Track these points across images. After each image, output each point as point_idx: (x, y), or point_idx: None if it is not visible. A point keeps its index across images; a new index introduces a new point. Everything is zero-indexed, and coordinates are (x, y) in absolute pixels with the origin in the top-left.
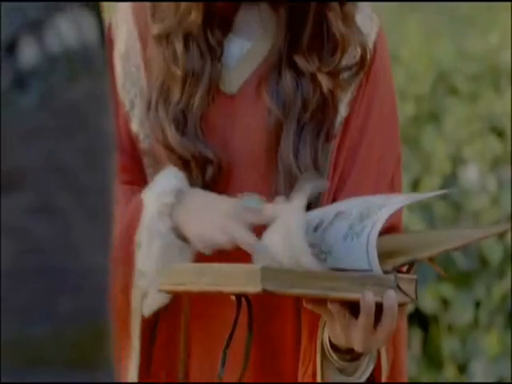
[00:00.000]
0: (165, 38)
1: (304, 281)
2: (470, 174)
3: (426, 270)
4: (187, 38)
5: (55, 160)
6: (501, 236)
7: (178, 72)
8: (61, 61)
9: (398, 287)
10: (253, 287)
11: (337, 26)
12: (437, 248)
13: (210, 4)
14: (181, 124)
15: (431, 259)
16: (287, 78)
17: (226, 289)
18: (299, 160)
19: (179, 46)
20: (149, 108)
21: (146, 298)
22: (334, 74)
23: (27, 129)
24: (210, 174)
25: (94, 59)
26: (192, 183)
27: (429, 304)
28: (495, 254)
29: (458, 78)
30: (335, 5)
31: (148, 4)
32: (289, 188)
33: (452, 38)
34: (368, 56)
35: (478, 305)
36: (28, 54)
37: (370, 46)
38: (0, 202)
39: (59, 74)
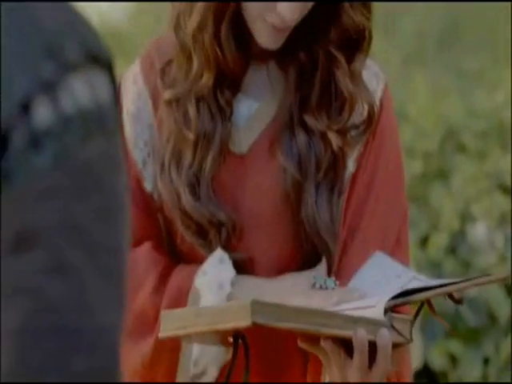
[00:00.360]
0: (175, 102)
1: (296, 315)
2: (479, 231)
3: (435, 326)
4: (198, 101)
5: (69, 219)
6: (509, 293)
7: (191, 136)
8: (75, 121)
9: (392, 327)
10: (244, 321)
11: (345, 83)
12: (434, 291)
13: (221, 65)
14: (195, 187)
15: (433, 310)
16: (300, 136)
17: (221, 326)
18: (321, 217)
19: (191, 110)
20: (162, 170)
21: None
22: (342, 132)
23: (41, 188)
24: (225, 236)
25: (108, 119)
26: (208, 246)
27: (437, 360)
28: (503, 310)
29: (466, 135)
30: (343, 62)
31: (158, 66)
32: (310, 244)
33: (460, 95)
34: (375, 114)
35: (486, 361)
36: (42, 114)
37: (377, 103)
38: (14, 261)
39: (73, 133)
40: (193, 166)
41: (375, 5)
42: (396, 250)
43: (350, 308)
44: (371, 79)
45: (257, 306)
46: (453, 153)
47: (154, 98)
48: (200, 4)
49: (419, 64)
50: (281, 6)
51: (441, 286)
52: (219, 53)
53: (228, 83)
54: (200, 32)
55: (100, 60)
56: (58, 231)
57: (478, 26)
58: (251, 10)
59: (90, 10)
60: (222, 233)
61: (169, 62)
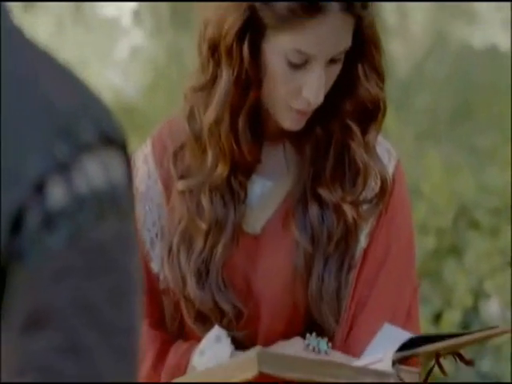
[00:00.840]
0: (189, 192)
1: (305, 366)
2: (492, 307)
3: None
4: (212, 191)
5: (82, 299)
6: None
7: (203, 226)
8: (88, 201)
9: (400, 379)
10: (251, 371)
11: (359, 154)
12: (441, 343)
13: (235, 154)
14: (202, 276)
15: (443, 371)
16: (313, 210)
17: (230, 380)
18: (325, 293)
19: (205, 201)
20: (169, 253)
21: None
22: (356, 204)
23: (55, 269)
24: (226, 324)
25: (121, 199)
26: (208, 330)
27: None
28: None
29: (479, 211)
30: (358, 134)
31: (169, 149)
32: (313, 316)
33: (472, 171)
34: (388, 187)
35: None
36: (56, 194)
37: (389, 177)
38: (27, 339)
39: (87, 214)
40: (203, 253)
41: (388, 82)
42: (407, 325)
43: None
44: (383, 155)
45: (263, 356)
46: (466, 229)
47: (164, 180)
48: (217, 99)
49: (432, 141)
50: (306, 91)
51: (449, 336)
52: (235, 145)
53: (242, 170)
54: (216, 126)
55: (114, 141)
56: (70, 311)
57: (489, 104)
58: (275, 100)
59: (103, 86)
60: (224, 321)
61: (181, 147)
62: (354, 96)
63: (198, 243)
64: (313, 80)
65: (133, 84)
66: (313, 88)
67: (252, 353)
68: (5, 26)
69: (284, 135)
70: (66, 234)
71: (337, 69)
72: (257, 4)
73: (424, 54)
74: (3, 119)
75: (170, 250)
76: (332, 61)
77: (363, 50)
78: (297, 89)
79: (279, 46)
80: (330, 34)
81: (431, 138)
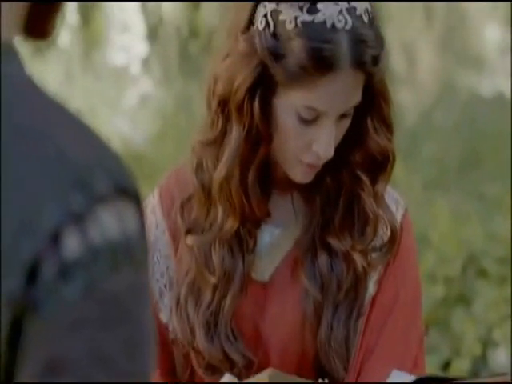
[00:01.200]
0: (197, 246)
1: None
2: (500, 356)
3: None
4: (221, 244)
5: (97, 349)
6: None
7: (212, 280)
8: (103, 252)
9: None
10: None
11: (370, 204)
12: None
13: (245, 208)
14: (211, 327)
15: None
16: (322, 259)
17: None
18: (334, 341)
19: (214, 256)
20: (177, 304)
21: None
22: (366, 253)
23: (70, 319)
24: (237, 373)
25: (136, 250)
26: (218, 379)
27: None
28: None
29: (487, 260)
30: (367, 184)
31: (177, 200)
32: (322, 362)
33: (480, 220)
34: (397, 236)
35: None
36: (72, 245)
37: (398, 227)
38: None
39: (102, 265)
40: (211, 305)
41: (396, 130)
42: (413, 374)
43: None
44: (391, 204)
45: (274, 377)
46: (474, 278)
47: (172, 230)
48: (227, 154)
49: (440, 189)
50: (316, 145)
51: (459, 379)
52: (245, 200)
53: (252, 222)
54: (227, 182)
55: (128, 192)
56: (85, 361)
57: (497, 152)
58: (285, 154)
59: (112, 134)
60: (234, 371)
61: (189, 199)
62: (364, 148)
63: (207, 295)
64: (323, 135)
65: (141, 132)
66: (323, 143)
67: (263, 375)
68: (17, 75)
69: (293, 185)
70: (82, 285)
71: (347, 123)
72: (268, 61)
73: (432, 103)
74: (19, 170)
75: (177, 302)
76: (342, 116)
77: (373, 104)
78: (307, 143)
79: (290, 103)
80: (341, 90)
81: (439, 187)
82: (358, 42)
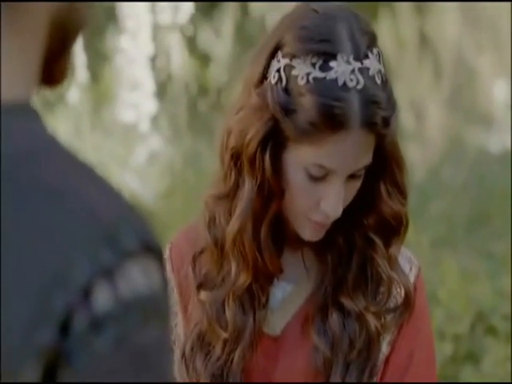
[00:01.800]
0: (209, 301)
1: None
2: None
3: None
4: (234, 300)
5: None
6: None
7: (224, 335)
8: (132, 306)
9: None
10: None
11: (383, 267)
12: None
13: (258, 263)
14: (218, 380)
15: None
16: (334, 317)
17: None
18: None
19: (228, 312)
20: (183, 356)
21: None
22: (379, 315)
23: (101, 371)
24: None
25: (161, 305)
26: None
27: None
28: None
29: (496, 318)
30: (381, 247)
31: (187, 256)
32: None
33: (489, 278)
34: (412, 298)
35: None
36: (102, 299)
37: (412, 289)
38: None
39: (131, 318)
40: (221, 359)
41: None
42: None
43: None
44: (405, 264)
45: None
46: (483, 335)
47: (180, 287)
48: (240, 208)
49: (448, 247)
50: (324, 204)
51: None
52: (257, 254)
53: (265, 277)
54: (240, 236)
55: (152, 249)
56: None
57: (505, 210)
58: (295, 211)
59: (122, 191)
60: None
61: (200, 253)
62: (376, 212)
63: (216, 349)
64: (332, 194)
65: (150, 188)
66: (331, 202)
67: None
68: (44, 137)
69: (304, 243)
70: (113, 338)
71: (357, 184)
72: (279, 115)
73: (440, 160)
74: (51, 226)
75: (183, 354)
76: (352, 176)
77: (385, 167)
78: (316, 201)
79: (300, 159)
80: (351, 150)
81: (447, 244)
82: (369, 102)
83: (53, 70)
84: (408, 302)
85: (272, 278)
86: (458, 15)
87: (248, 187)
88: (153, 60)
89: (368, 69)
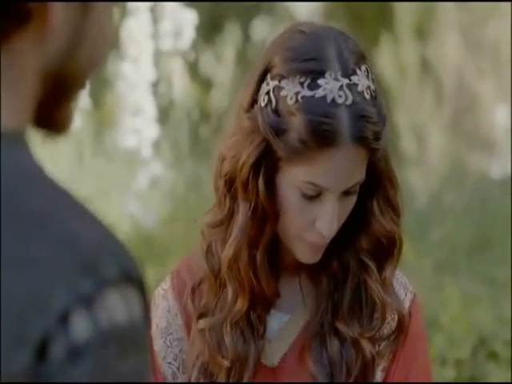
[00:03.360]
0: (208, 330)
1: None
2: None
3: None
4: (232, 327)
5: None
6: None
7: (225, 363)
8: (111, 336)
9: None
10: None
11: (377, 291)
12: None
13: (254, 288)
14: None
15: None
16: (332, 343)
17: None
18: None
19: (226, 339)
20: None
21: None
22: (374, 340)
23: None
24: None
25: (140, 336)
26: None
27: None
28: None
29: (498, 343)
30: (374, 271)
31: (189, 284)
32: None
33: (490, 303)
34: (406, 324)
35: None
36: (80, 327)
37: (406, 315)
38: None
39: (110, 348)
40: None
41: (406, 212)
42: None
43: None
44: (400, 290)
45: None
46: (485, 361)
47: (184, 313)
48: (234, 233)
49: (450, 272)
50: (319, 223)
51: None
52: (253, 279)
53: (261, 304)
54: (235, 261)
55: (133, 278)
56: None
57: (505, 236)
58: (290, 233)
59: (123, 216)
60: None
61: (199, 283)
62: (369, 232)
63: (221, 378)
64: (326, 212)
65: (152, 214)
66: (326, 220)
67: None
68: (30, 166)
69: (301, 268)
70: (90, 367)
71: (352, 200)
72: (270, 137)
73: (442, 185)
74: (32, 252)
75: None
76: (347, 193)
77: (377, 185)
78: (311, 221)
79: (293, 179)
80: (342, 166)
81: (449, 270)
82: (358, 117)
83: (54, 116)
84: (401, 328)
85: (269, 305)
86: (459, 40)
87: (242, 212)
88: (154, 86)
89: (356, 85)
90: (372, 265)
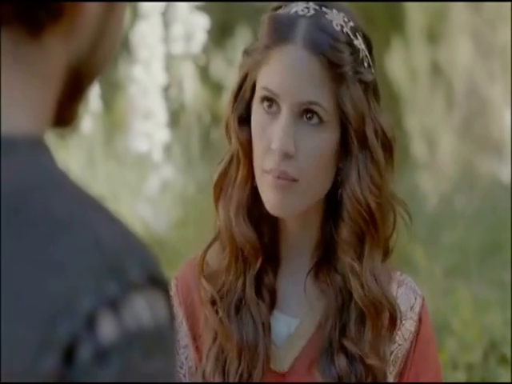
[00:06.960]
0: (220, 311)
1: None
2: None
3: None
4: (238, 310)
5: None
6: None
7: (237, 347)
8: (137, 338)
9: None
10: None
11: (361, 291)
12: None
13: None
14: None
15: None
16: (341, 362)
17: None
18: None
19: (237, 323)
20: (203, 377)
21: None
22: (384, 356)
23: None
24: None
25: (166, 338)
26: None
27: None
28: None
29: (509, 347)
30: (359, 270)
31: (193, 287)
32: None
33: (501, 307)
34: (399, 321)
35: None
36: (107, 330)
37: (415, 317)
38: None
39: (136, 350)
40: (241, 372)
41: (417, 217)
42: None
43: None
44: (409, 294)
45: None
46: (496, 365)
47: (189, 319)
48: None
49: (461, 276)
50: (274, 142)
51: None
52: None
53: (265, 296)
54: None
55: (158, 281)
56: None
57: None
58: (256, 168)
59: (134, 219)
60: None
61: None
62: (346, 207)
63: (234, 363)
64: (278, 126)
65: (163, 217)
66: (277, 133)
67: None
68: (53, 170)
69: (301, 268)
70: (117, 369)
71: (316, 137)
72: (246, 58)
73: (452, 189)
74: (59, 256)
75: (203, 377)
76: (304, 114)
77: (358, 149)
78: (267, 145)
79: (257, 91)
80: (294, 72)
81: (460, 274)
82: (316, 26)
83: (65, 113)
84: (393, 324)
85: (272, 304)
86: (470, 44)
87: (233, 148)
88: (166, 89)
89: (326, 13)
90: (357, 265)
